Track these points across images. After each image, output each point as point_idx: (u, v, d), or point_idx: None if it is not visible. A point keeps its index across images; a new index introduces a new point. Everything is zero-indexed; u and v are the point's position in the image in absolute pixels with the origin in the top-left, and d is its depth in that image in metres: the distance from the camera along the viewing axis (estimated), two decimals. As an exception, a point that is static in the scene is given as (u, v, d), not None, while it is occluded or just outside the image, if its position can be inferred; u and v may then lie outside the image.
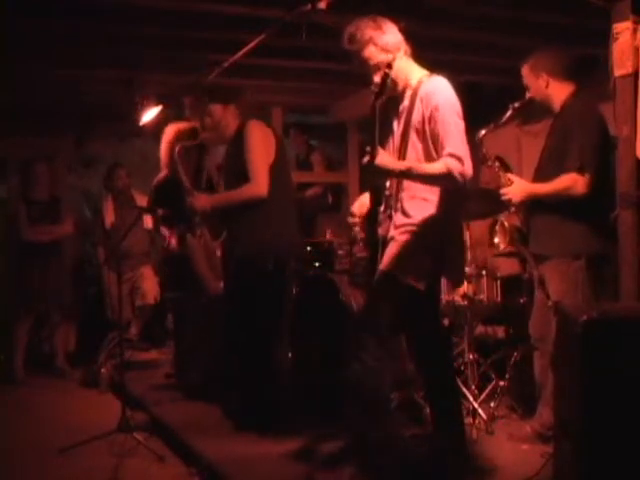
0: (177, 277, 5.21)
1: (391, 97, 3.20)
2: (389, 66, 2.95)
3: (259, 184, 4.07)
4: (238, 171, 4.13)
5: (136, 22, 4.45)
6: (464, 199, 3.22)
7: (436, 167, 2.95)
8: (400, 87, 3.15)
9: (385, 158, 2.92)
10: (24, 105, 6.50)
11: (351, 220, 3.54)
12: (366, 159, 2.88)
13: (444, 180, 2.95)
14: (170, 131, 4.89)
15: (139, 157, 7.37)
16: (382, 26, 3.10)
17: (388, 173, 2.95)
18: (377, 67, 3.06)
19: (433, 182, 3.01)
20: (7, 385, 5.96)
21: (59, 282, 6.26)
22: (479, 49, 5.13)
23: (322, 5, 3.81)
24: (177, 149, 4.44)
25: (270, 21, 4.30)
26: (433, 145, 3.01)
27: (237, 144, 4.19)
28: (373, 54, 3.07)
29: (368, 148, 2.89)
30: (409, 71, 3.15)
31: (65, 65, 5.26)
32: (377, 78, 3.02)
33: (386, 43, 3.07)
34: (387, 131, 3.19)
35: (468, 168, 2.95)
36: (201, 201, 4.25)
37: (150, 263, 6.66)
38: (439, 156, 2.98)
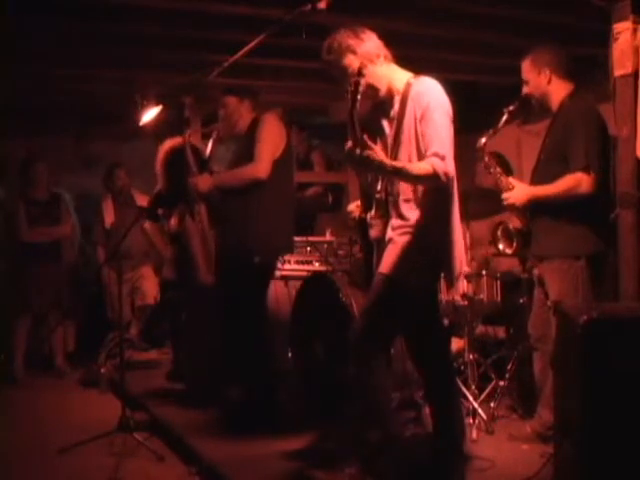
0: (176, 261, 5.24)
1: (379, 103, 3.20)
2: (360, 73, 2.94)
3: (260, 166, 4.16)
4: (246, 162, 4.20)
5: (136, 22, 4.45)
6: (454, 198, 3.20)
7: (422, 167, 2.95)
8: (382, 93, 3.15)
9: (379, 153, 2.92)
10: (24, 105, 6.51)
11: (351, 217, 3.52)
12: (349, 144, 2.84)
13: (428, 180, 2.96)
14: (164, 147, 4.97)
15: (139, 157, 7.35)
16: (360, 34, 3.10)
17: (377, 168, 2.92)
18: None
19: (418, 182, 3.02)
20: (7, 385, 5.96)
21: (58, 282, 6.26)
22: (477, 49, 5.13)
23: (322, 5, 3.81)
24: (187, 134, 4.68)
25: (270, 21, 4.30)
26: (422, 144, 3.01)
27: (250, 136, 4.28)
28: (352, 62, 3.06)
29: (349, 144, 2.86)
30: (392, 76, 3.15)
31: (65, 65, 5.26)
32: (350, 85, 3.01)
33: (365, 51, 3.08)
34: (377, 136, 3.19)
35: (450, 167, 2.97)
36: (205, 181, 4.35)
37: (150, 263, 6.67)
38: (425, 155, 2.99)
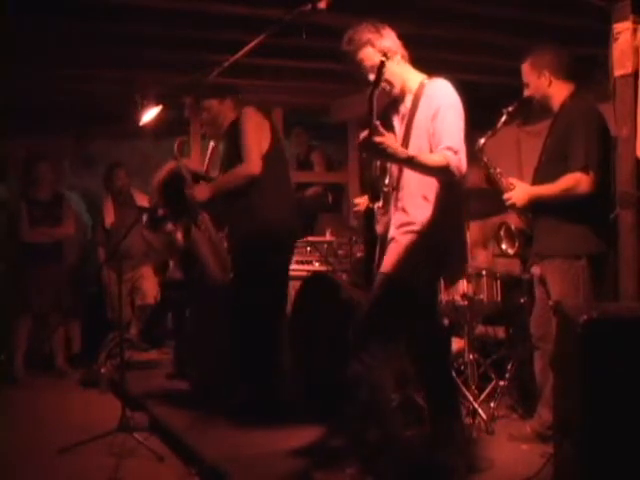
0: (183, 262, 5.24)
1: (392, 101, 3.22)
2: (385, 56, 2.94)
3: (251, 163, 4.19)
4: (235, 161, 4.23)
5: (136, 22, 4.46)
6: (462, 197, 3.21)
7: (435, 158, 2.96)
8: (397, 90, 3.18)
9: (393, 140, 2.93)
10: (24, 105, 6.51)
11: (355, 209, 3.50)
12: (365, 133, 2.83)
13: (441, 172, 2.97)
14: (162, 171, 4.98)
15: (139, 157, 7.37)
16: (381, 30, 3.15)
17: (391, 155, 2.90)
18: (372, 68, 3.07)
19: (431, 173, 3.02)
20: (7, 385, 5.95)
21: (58, 283, 6.25)
22: (478, 49, 5.14)
23: (322, 5, 3.81)
24: (177, 143, 4.62)
25: (270, 21, 4.30)
26: (433, 141, 3.02)
27: (233, 132, 4.32)
28: (369, 55, 3.10)
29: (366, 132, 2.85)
30: (406, 75, 3.18)
31: (65, 65, 5.26)
32: (373, 74, 3.00)
33: (383, 46, 3.11)
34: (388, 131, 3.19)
35: (463, 163, 2.98)
36: (201, 190, 4.36)
37: (150, 263, 6.67)
38: (436, 150, 2.99)
